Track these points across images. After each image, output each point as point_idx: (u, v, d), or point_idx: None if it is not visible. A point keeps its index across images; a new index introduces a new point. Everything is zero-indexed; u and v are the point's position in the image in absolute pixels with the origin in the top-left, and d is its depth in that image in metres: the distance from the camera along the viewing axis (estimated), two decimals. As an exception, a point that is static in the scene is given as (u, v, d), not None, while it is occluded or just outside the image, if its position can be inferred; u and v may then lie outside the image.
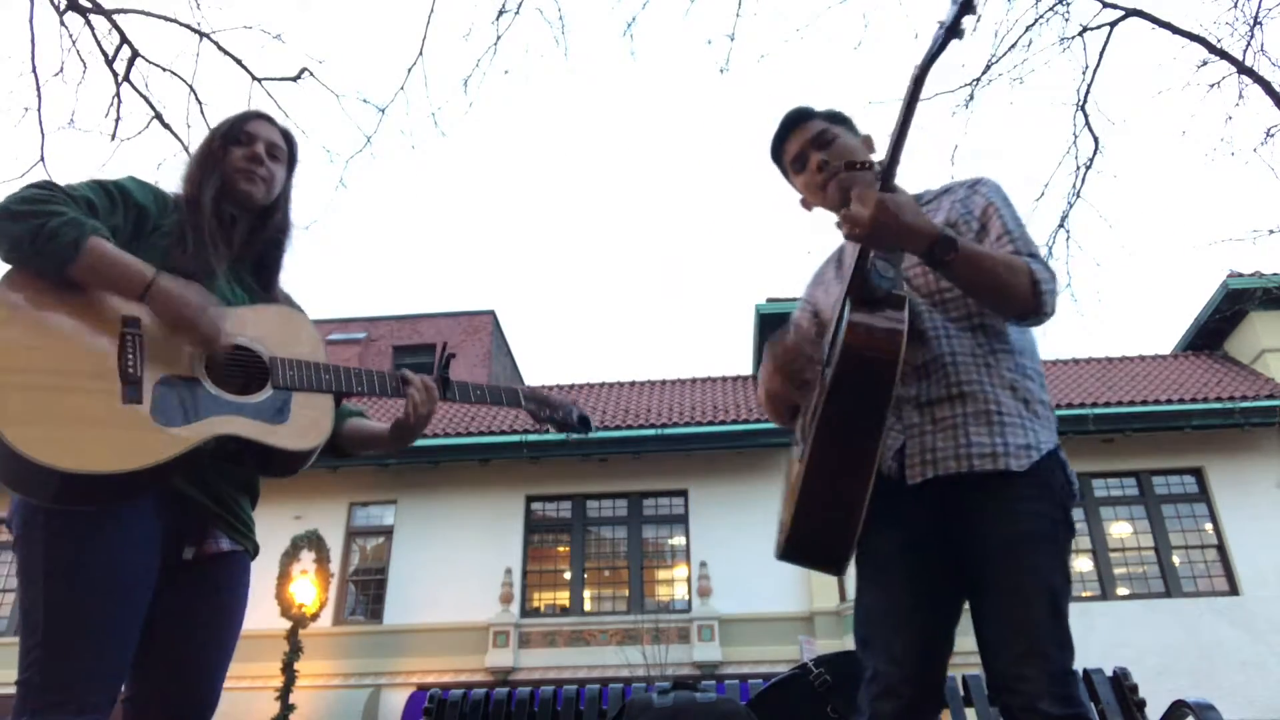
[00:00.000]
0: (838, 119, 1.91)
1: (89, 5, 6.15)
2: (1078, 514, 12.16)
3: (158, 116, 6.68)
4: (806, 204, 1.96)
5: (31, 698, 1.37)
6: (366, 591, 12.72)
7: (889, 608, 1.67)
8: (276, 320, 1.74)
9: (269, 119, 1.89)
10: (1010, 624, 1.52)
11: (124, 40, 6.33)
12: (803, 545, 1.66)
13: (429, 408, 1.79)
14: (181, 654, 1.58)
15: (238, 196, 1.77)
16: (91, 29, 6.25)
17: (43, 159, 6.56)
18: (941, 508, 1.64)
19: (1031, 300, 1.60)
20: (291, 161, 1.91)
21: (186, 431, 1.47)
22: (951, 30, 1.39)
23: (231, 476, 1.68)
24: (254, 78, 6.75)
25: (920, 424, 1.68)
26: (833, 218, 1.86)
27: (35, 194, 1.48)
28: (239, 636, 1.71)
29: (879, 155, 1.80)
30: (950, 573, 1.63)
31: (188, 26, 6.58)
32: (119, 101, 6.52)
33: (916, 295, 1.74)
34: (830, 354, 1.63)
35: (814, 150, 1.85)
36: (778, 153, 1.95)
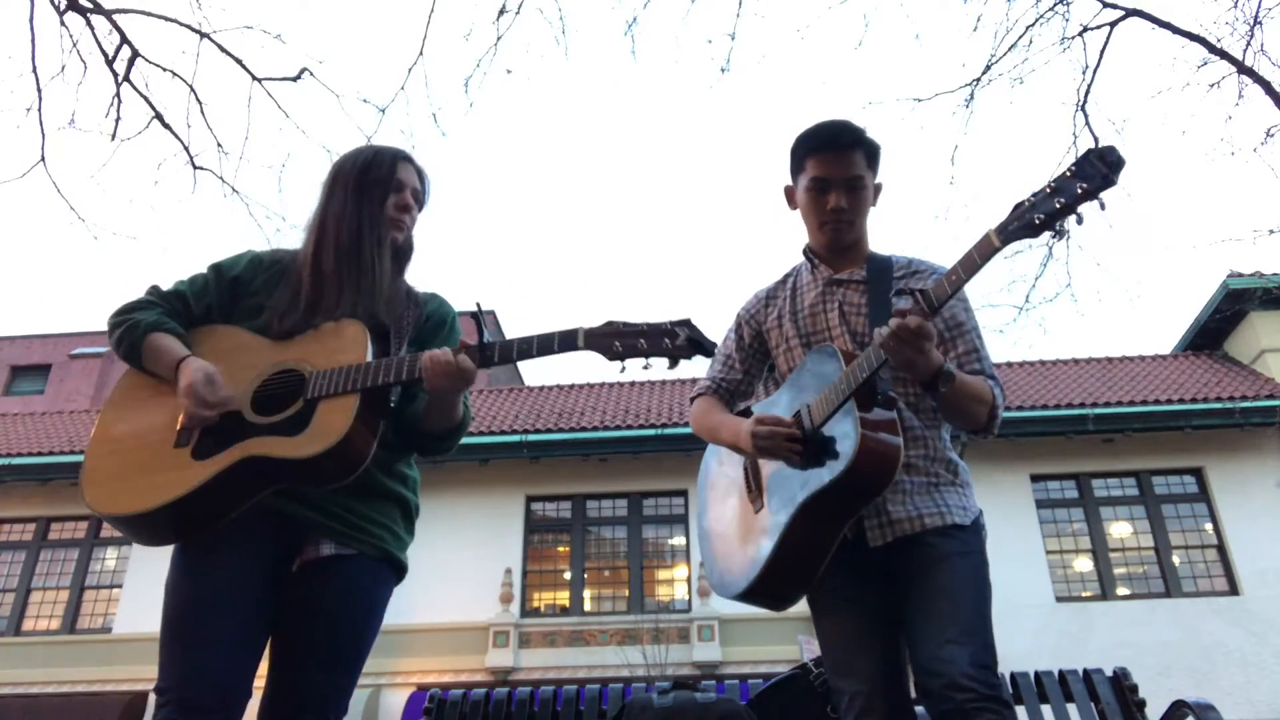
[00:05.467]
0: (873, 156, 1.99)
1: (89, 5, 6.16)
2: (1078, 514, 12.19)
3: (158, 117, 6.69)
4: (791, 199, 2.09)
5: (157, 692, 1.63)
6: (366, 591, 12.72)
7: (849, 637, 1.83)
8: (328, 334, 1.79)
9: (411, 160, 1.98)
10: (937, 617, 1.68)
11: (124, 40, 6.34)
12: (764, 594, 1.88)
13: (446, 381, 1.69)
14: (296, 655, 1.69)
15: (386, 243, 1.90)
16: (92, 29, 6.26)
17: (43, 159, 6.57)
18: (892, 556, 1.82)
19: (985, 425, 1.82)
20: (423, 202, 2.01)
21: (215, 461, 1.65)
22: (1046, 224, 1.47)
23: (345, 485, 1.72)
24: (254, 78, 6.77)
25: None
26: (802, 228, 2.09)
27: (125, 304, 1.83)
28: (365, 634, 1.76)
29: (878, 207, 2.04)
30: (894, 602, 1.79)
31: (188, 27, 6.59)
32: (119, 101, 6.53)
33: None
34: (816, 430, 1.79)
35: (841, 190, 1.95)
36: (806, 150, 1.99)
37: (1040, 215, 1.47)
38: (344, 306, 1.81)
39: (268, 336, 1.81)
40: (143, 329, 1.77)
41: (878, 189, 2.03)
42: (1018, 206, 1.50)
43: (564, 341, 1.69)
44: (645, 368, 1.66)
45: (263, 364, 1.77)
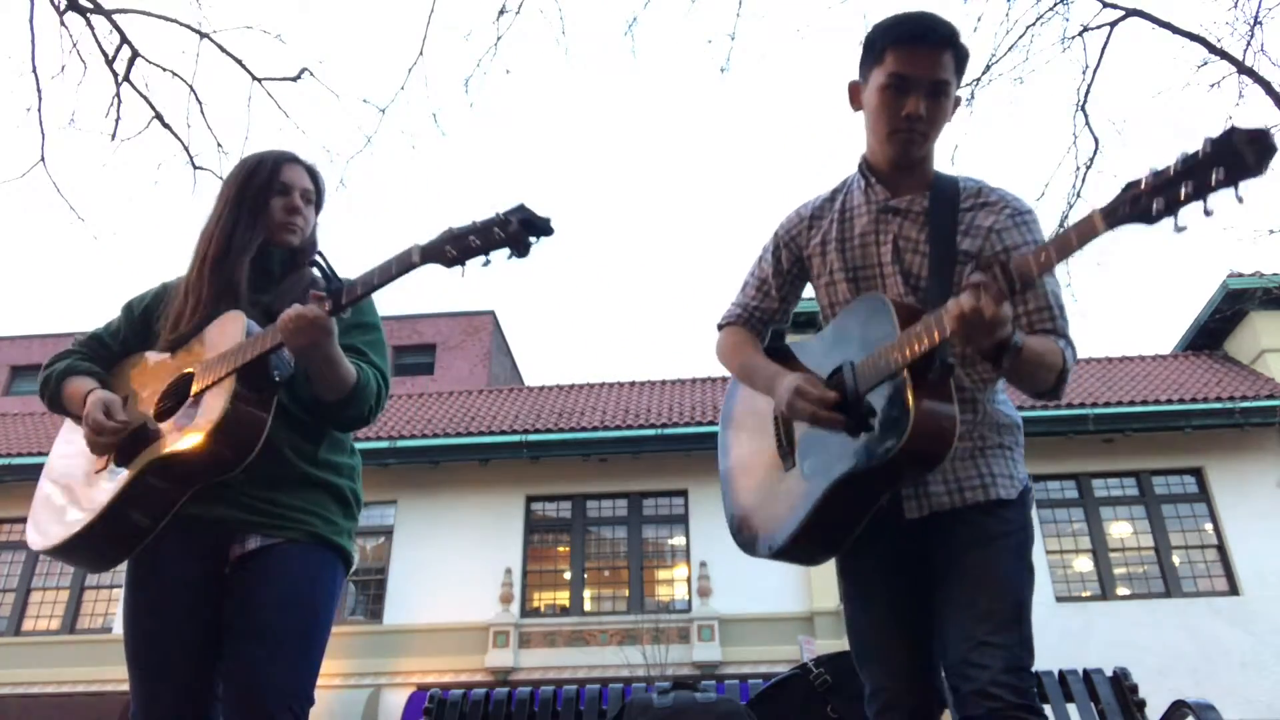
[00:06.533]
0: (962, 62, 1.73)
1: (89, 5, 6.16)
2: (1078, 514, 12.19)
3: (158, 117, 6.70)
4: (856, 97, 1.81)
5: None
6: (366, 591, 12.72)
7: (877, 625, 1.73)
8: (212, 330, 1.80)
9: (298, 160, 1.98)
10: (973, 613, 1.54)
11: (124, 40, 6.34)
12: (791, 557, 1.79)
13: (303, 336, 1.62)
14: (241, 647, 1.69)
15: (278, 246, 1.91)
16: (92, 29, 6.26)
17: (43, 159, 6.58)
18: (929, 533, 1.69)
19: (1051, 389, 1.60)
20: (319, 201, 2.00)
21: (125, 473, 1.72)
22: (1167, 212, 1.21)
23: (264, 477, 1.73)
24: (254, 78, 6.77)
25: None
26: (860, 133, 1.84)
27: (48, 360, 1.95)
28: (306, 614, 1.72)
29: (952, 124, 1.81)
30: (928, 586, 1.67)
31: (188, 26, 6.60)
32: (119, 101, 6.54)
33: None
34: (860, 396, 1.60)
35: (923, 94, 1.67)
36: (888, 40, 1.70)
37: (1161, 201, 1.19)
38: (220, 311, 1.83)
39: (169, 352, 1.87)
40: (56, 378, 1.90)
41: (957, 102, 1.75)
42: (1130, 186, 1.24)
43: (401, 264, 1.59)
44: (485, 264, 1.52)
45: (165, 377, 1.83)
